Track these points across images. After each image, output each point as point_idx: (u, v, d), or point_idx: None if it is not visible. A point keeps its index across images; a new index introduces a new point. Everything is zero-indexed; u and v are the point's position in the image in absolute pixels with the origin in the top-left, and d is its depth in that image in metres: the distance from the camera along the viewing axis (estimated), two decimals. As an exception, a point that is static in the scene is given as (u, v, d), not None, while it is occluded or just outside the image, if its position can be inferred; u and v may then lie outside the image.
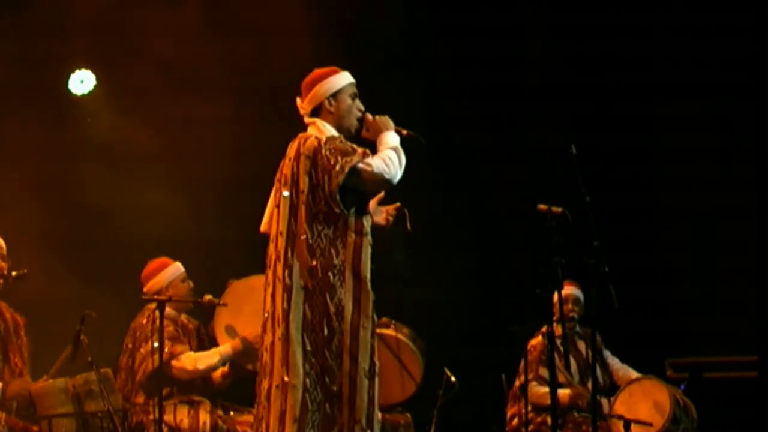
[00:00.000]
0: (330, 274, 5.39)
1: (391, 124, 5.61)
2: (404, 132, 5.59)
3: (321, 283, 5.40)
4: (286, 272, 5.44)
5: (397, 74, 8.74)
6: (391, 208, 5.86)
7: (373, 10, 8.70)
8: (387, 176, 5.41)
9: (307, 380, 5.39)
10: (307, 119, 5.64)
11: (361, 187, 5.44)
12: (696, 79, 8.99)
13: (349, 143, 5.49)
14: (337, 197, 5.38)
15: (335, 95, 5.58)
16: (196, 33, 8.25)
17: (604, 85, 9.02)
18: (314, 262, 5.41)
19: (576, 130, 8.26)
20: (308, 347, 5.39)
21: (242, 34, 8.41)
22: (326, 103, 5.58)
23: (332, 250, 5.41)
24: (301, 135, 5.59)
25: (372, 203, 5.75)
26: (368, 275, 5.43)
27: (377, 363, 5.44)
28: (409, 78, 8.82)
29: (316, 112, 5.60)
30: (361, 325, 5.38)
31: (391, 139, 5.54)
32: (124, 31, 8.34)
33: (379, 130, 5.59)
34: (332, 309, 5.38)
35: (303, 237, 5.42)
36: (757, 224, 8.22)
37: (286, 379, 5.37)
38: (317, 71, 5.66)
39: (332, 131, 5.57)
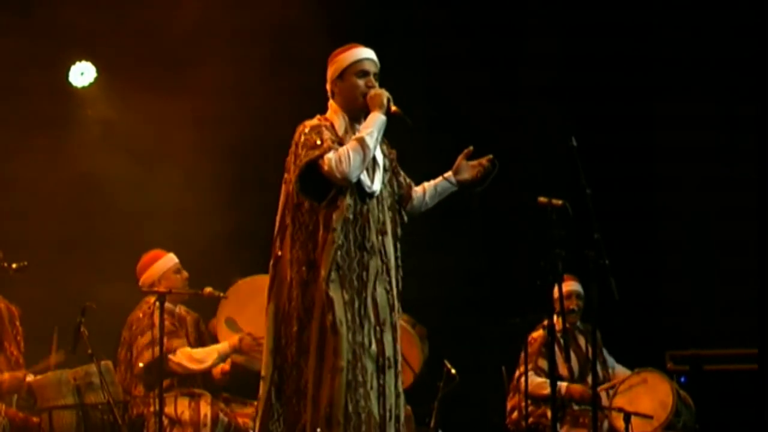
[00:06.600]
0: (304, 268, 5.28)
1: (383, 99, 5.33)
2: (393, 109, 5.34)
3: (297, 276, 5.30)
4: (272, 262, 5.40)
5: (397, 73, 8.72)
6: (484, 161, 5.64)
7: (374, 8, 8.74)
8: (339, 175, 5.20)
9: (276, 374, 5.33)
10: (330, 101, 5.53)
11: (322, 181, 5.26)
12: (696, 79, 9.01)
13: (327, 134, 5.30)
14: (300, 189, 5.28)
15: (341, 76, 5.41)
16: (197, 27, 8.29)
17: (603, 84, 9.04)
18: (294, 254, 5.31)
19: (576, 129, 8.26)
20: (282, 340, 5.33)
21: (243, 31, 8.42)
22: (333, 86, 5.46)
23: (309, 244, 5.29)
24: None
25: (459, 159, 5.63)
26: (324, 273, 5.23)
27: (342, 364, 5.19)
28: (409, 76, 8.83)
29: (333, 93, 5.49)
30: (330, 323, 5.20)
31: (371, 124, 5.30)
32: (125, 23, 8.35)
33: (368, 110, 5.37)
34: (303, 304, 5.27)
35: (288, 228, 5.35)
36: (757, 224, 8.22)
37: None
38: (334, 52, 5.50)
39: (340, 113, 5.43)
